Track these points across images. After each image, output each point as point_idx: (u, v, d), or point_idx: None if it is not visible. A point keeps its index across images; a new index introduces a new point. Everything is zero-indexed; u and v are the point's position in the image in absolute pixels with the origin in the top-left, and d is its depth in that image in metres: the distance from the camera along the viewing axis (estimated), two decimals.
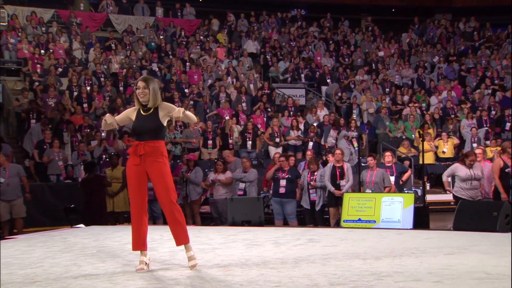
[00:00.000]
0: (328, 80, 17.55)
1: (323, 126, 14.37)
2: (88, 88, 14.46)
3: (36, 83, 14.50)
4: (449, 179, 8.99)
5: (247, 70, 17.42)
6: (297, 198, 10.03)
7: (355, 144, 12.89)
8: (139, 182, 4.68)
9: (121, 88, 15.07)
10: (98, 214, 9.75)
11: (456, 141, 14.14)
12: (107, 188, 10.17)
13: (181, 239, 4.67)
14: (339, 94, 16.69)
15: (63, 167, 11.55)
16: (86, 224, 8.98)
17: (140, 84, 4.74)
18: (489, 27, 21.67)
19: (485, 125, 14.89)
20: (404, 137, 14.54)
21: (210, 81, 16.11)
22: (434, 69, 18.82)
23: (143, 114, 4.73)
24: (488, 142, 13.87)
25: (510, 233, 7.00)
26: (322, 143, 13.91)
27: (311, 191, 9.80)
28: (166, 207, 4.66)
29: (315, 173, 9.82)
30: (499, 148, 9.96)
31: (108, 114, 4.82)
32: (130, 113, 4.85)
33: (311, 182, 9.76)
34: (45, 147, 11.76)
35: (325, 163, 10.41)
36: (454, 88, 17.34)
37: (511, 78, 17.61)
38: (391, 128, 14.80)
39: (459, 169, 8.75)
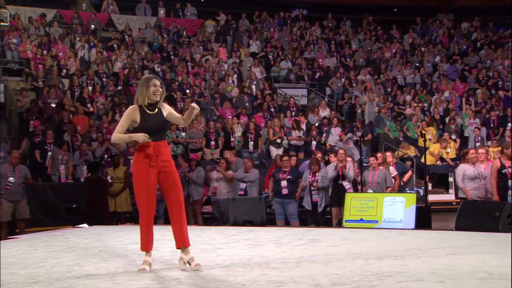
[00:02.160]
0: (330, 80, 17.52)
1: (322, 126, 14.36)
2: (90, 88, 14.46)
3: (40, 83, 14.53)
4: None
5: (249, 70, 17.41)
6: (296, 198, 9.97)
7: (362, 145, 12.84)
8: (152, 183, 4.63)
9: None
10: (100, 214, 9.76)
11: (457, 144, 14.11)
12: (108, 188, 10.18)
13: (187, 240, 4.67)
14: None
15: (64, 171, 11.53)
16: (89, 224, 9.00)
17: (157, 82, 4.69)
18: (491, 27, 21.65)
19: (492, 125, 14.87)
20: (401, 138, 14.53)
21: (212, 81, 16.12)
22: (436, 69, 18.80)
23: (150, 113, 4.65)
24: (489, 143, 13.85)
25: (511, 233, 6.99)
26: (323, 141, 13.92)
27: (313, 192, 9.78)
28: (177, 208, 4.65)
29: (317, 174, 9.79)
30: (500, 149, 9.95)
31: (133, 135, 4.59)
32: (132, 115, 4.66)
33: (313, 183, 9.73)
34: (46, 147, 11.76)
35: (327, 163, 10.40)
36: (456, 88, 17.32)
37: None
38: (392, 127, 14.78)
39: (467, 168, 8.75)
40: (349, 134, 13.45)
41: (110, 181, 10.24)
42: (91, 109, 13.81)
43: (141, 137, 4.53)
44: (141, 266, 4.63)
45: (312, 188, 9.74)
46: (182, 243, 4.65)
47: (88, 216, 9.63)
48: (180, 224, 4.65)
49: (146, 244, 4.68)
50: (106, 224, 9.36)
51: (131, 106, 4.73)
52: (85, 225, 8.95)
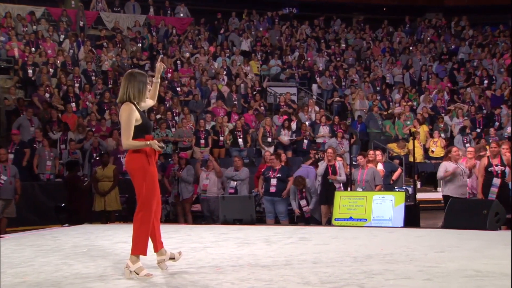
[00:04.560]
0: (318, 79, 17.50)
1: (315, 124, 14.39)
2: (77, 85, 14.36)
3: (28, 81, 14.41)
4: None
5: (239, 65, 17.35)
6: (283, 196, 9.86)
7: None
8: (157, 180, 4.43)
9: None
10: (79, 212, 9.78)
11: (445, 142, 14.21)
12: (96, 187, 10.13)
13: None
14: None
15: (50, 167, 11.45)
16: (70, 223, 9.03)
17: (149, 80, 4.55)
18: (480, 26, 21.78)
19: (477, 125, 14.96)
20: (392, 136, 14.57)
21: (202, 80, 16.07)
22: (425, 68, 18.88)
23: (141, 110, 4.46)
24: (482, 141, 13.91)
25: (500, 231, 7.05)
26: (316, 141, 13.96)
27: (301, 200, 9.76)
28: (159, 206, 4.54)
29: (304, 190, 9.67)
30: (487, 147, 10.02)
31: (154, 142, 4.32)
32: (135, 113, 4.33)
33: (304, 208, 9.64)
34: (34, 145, 11.70)
35: (317, 161, 10.42)
36: (444, 87, 17.41)
37: (509, 76, 17.66)
38: (384, 126, 14.82)
39: (449, 166, 8.80)
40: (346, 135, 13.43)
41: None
42: (75, 108, 13.69)
43: (155, 145, 4.26)
44: (145, 272, 4.29)
45: (305, 211, 9.63)
46: (161, 244, 4.54)
47: (70, 214, 9.66)
48: (158, 226, 4.51)
49: (147, 247, 4.34)
50: (83, 222, 9.32)
51: (127, 104, 4.34)
52: (66, 224, 8.99)
